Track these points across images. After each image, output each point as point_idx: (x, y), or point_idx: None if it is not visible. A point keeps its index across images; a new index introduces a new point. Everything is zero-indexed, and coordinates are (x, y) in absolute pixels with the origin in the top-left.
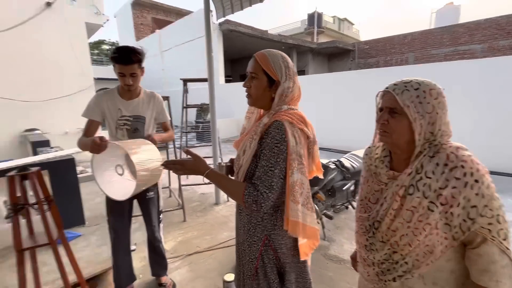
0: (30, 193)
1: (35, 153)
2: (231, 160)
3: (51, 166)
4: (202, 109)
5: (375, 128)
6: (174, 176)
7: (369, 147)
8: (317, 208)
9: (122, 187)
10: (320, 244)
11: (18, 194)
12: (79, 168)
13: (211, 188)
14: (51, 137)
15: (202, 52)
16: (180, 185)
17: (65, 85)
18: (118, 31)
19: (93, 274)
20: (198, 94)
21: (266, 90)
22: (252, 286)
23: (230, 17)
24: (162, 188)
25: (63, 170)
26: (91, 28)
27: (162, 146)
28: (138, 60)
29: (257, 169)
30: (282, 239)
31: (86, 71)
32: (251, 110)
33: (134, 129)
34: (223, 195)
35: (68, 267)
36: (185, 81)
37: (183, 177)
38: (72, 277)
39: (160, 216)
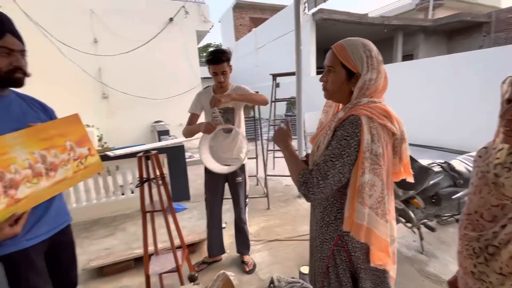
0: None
1: (159, 139)
2: (307, 156)
3: (168, 150)
4: (291, 103)
5: (498, 124)
6: (261, 166)
7: (484, 148)
8: (412, 215)
9: (217, 165)
10: (415, 257)
11: (144, 170)
12: (187, 154)
13: None
14: (170, 127)
15: (294, 46)
16: (266, 175)
17: (180, 85)
18: (221, 34)
19: (192, 242)
20: (289, 88)
21: (344, 84)
22: (323, 283)
23: (325, 5)
24: (250, 176)
25: (176, 154)
26: (200, 35)
27: (251, 137)
28: (227, 59)
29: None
30: (357, 242)
31: (196, 72)
32: (328, 103)
33: (226, 119)
34: None
35: (174, 232)
36: (274, 76)
37: (269, 167)
38: (177, 241)
39: (246, 200)
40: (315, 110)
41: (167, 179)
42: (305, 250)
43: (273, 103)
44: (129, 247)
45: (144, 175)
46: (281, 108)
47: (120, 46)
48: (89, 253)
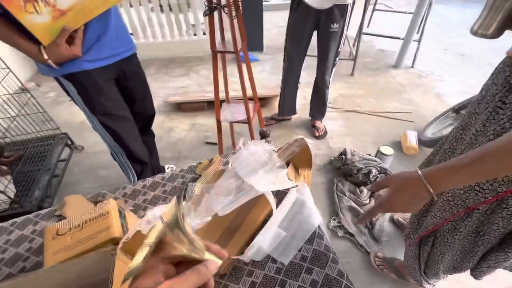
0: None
1: None
2: None
3: None
4: None
5: None
6: (355, 19)
7: None
8: None
9: None
10: None
11: None
12: None
13: (395, 46)
14: None
15: None
16: (360, 32)
17: None
18: None
19: (263, 96)
20: None
21: None
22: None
23: None
24: None
25: None
26: None
27: None
28: None
29: None
30: None
31: None
32: None
33: None
34: (408, 58)
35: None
36: None
37: (365, 23)
38: (249, 92)
39: (337, 59)
40: None
41: None
42: (387, 129)
43: None
44: (202, 89)
45: (214, 1)
46: None
47: None
48: (168, 88)
